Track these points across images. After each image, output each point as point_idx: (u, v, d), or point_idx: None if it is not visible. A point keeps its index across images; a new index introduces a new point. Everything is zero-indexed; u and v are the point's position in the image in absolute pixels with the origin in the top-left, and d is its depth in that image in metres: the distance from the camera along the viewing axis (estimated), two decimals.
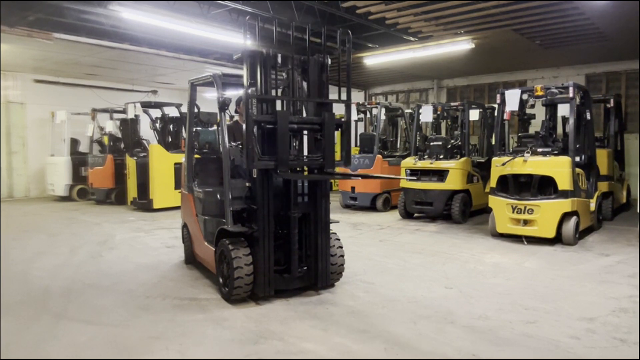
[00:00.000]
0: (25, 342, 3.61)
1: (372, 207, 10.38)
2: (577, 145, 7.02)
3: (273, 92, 4.41)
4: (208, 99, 13.22)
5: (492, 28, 9.12)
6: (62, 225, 8.94)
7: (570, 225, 6.64)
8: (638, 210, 8.01)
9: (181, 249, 6.21)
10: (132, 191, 10.95)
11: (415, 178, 8.72)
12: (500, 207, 7.10)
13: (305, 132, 4.54)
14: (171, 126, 11.99)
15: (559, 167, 6.66)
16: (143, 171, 10.59)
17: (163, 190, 10.41)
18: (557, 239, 6.77)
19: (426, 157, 9.04)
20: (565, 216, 6.68)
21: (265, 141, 4.26)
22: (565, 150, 6.90)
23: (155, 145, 10.85)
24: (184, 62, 12.21)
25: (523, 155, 6.92)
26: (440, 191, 8.70)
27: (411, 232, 8.03)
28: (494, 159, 7.31)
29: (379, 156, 10.25)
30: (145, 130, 12.36)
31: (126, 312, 4.23)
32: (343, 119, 4.60)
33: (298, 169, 4.49)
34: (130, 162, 10.96)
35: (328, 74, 4.66)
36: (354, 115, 11.00)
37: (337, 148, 4.67)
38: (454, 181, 8.64)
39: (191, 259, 5.82)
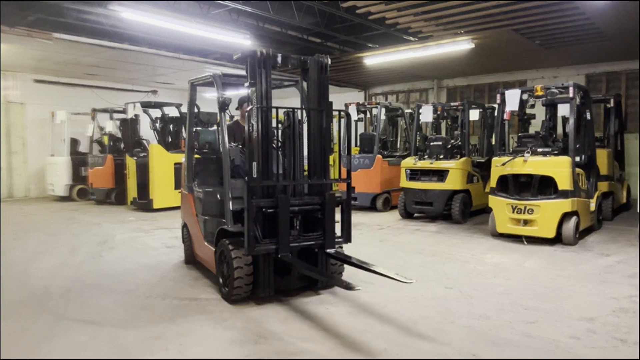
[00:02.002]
0: (25, 342, 3.61)
1: (372, 207, 10.39)
2: (577, 145, 7.02)
3: (273, 92, 4.39)
4: (208, 99, 13.22)
5: (492, 28, 9.12)
6: (62, 225, 8.94)
7: (570, 225, 6.64)
8: (638, 210, 8.01)
9: (181, 249, 6.21)
10: (132, 191, 10.95)
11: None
12: (500, 207, 7.10)
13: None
14: (171, 126, 11.99)
15: (559, 167, 6.66)
16: (143, 171, 10.59)
17: (163, 190, 10.41)
18: (557, 239, 6.77)
19: (426, 157, 9.03)
20: (565, 216, 6.68)
21: (266, 222, 4.27)
22: (565, 150, 6.89)
23: (155, 145, 10.85)
24: (184, 62, 12.22)
25: (523, 155, 6.92)
26: (440, 191, 8.70)
27: (411, 232, 8.03)
28: (494, 159, 7.31)
29: (379, 156, 10.25)
30: (145, 130, 12.37)
31: (126, 312, 4.23)
32: (343, 197, 4.57)
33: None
34: (130, 162, 10.96)
35: (328, 75, 4.64)
36: (354, 116, 11.01)
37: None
38: (454, 181, 8.64)
39: (191, 259, 5.82)
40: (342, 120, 4.75)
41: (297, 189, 4.46)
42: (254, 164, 4.15)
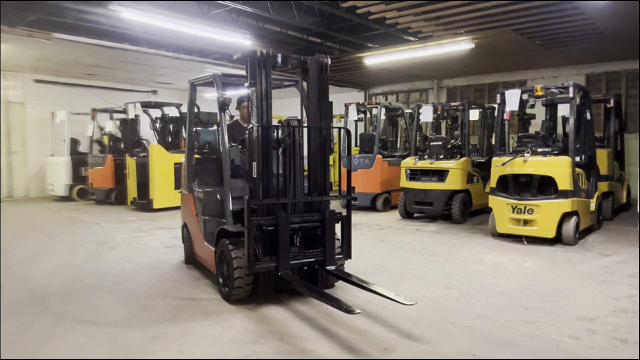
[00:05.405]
0: (25, 342, 3.61)
1: (372, 207, 10.39)
2: (577, 145, 7.02)
3: (273, 92, 4.39)
4: (208, 99, 13.22)
5: (492, 28, 9.12)
6: (62, 225, 8.94)
7: (570, 225, 6.64)
8: (638, 210, 8.01)
9: (181, 249, 6.21)
10: (132, 191, 10.95)
11: None
12: (500, 207, 7.10)
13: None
14: (171, 126, 12.00)
15: (559, 167, 6.66)
16: (143, 171, 10.59)
17: (163, 190, 10.41)
18: (557, 239, 6.77)
19: (426, 157, 9.04)
20: (565, 216, 6.68)
21: (266, 240, 4.26)
22: (565, 150, 6.90)
23: (155, 145, 10.85)
24: (184, 62, 12.22)
25: (523, 155, 6.92)
26: (440, 191, 8.70)
27: (411, 232, 8.03)
28: (494, 159, 7.31)
29: (379, 156, 10.25)
30: (145, 130, 12.37)
31: (126, 312, 4.23)
32: (343, 214, 4.55)
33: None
34: (130, 162, 10.96)
35: (328, 75, 4.63)
36: (354, 116, 11.01)
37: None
38: (454, 181, 8.63)
39: (191, 259, 5.82)
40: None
41: (297, 206, 4.46)
42: (254, 165, 4.14)
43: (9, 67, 12.68)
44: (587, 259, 6.03)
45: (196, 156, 5.92)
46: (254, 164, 4.15)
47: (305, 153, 4.48)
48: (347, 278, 4.30)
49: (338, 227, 4.59)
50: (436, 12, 8.42)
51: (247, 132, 4.23)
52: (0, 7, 8.02)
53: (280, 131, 4.38)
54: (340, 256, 4.58)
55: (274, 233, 4.22)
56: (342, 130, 4.74)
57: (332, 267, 4.44)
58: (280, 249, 4.17)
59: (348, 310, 3.45)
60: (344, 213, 4.56)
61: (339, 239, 4.69)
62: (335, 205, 4.77)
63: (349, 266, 5.17)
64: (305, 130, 4.57)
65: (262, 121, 4.27)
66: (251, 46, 9.64)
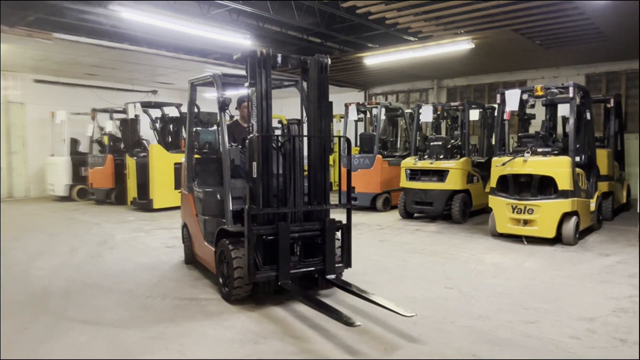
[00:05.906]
0: (25, 342, 3.61)
1: (372, 207, 10.39)
2: (577, 145, 7.02)
3: (273, 92, 4.39)
4: (208, 99, 13.22)
5: (492, 28, 9.12)
6: (62, 225, 8.94)
7: (570, 225, 6.64)
8: (638, 210, 8.01)
9: (181, 249, 6.22)
10: (132, 191, 10.95)
11: None
12: (500, 207, 7.10)
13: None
14: (171, 126, 11.99)
15: (559, 167, 6.66)
16: (143, 171, 10.59)
17: (163, 190, 10.41)
18: (557, 239, 6.77)
19: (426, 157, 9.04)
20: (565, 216, 6.68)
21: (266, 248, 4.26)
22: (565, 150, 6.90)
23: (155, 145, 10.85)
24: (184, 62, 12.22)
25: (523, 155, 6.92)
26: (440, 191, 8.70)
27: (411, 232, 8.03)
28: (494, 159, 7.31)
29: (379, 156, 10.25)
30: (145, 130, 12.37)
31: (126, 312, 4.23)
32: (344, 222, 4.55)
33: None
34: (130, 162, 10.97)
35: (328, 75, 4.63)
36: (354, 116, 11.01)
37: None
38: (454, 181, 8.63)
39: (191, 259, 5.82)
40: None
41: (297, 215, 4.46)
42: (254, 166, 4.14)
43: (9, 67, 12.68)
44: (587, 259, 6.03)
45: (196, 156, 5.92)
46: (254, 164, 4.15)
47: (305, 153, 4.48)
48: (347, 287, 4.29)
49: (338, 232, 4.58)
50: (436, 12, 8.42)
51: (247, 138, 4.21)
52: (0, 7, 8.02)
53: (280, 136, 4.38)
54: (340, 265, 4.57)
55: (274, 242, 4.22)
56: (341, 138, 4.73)
57: (332, 276, 4.43)
58: (280, 258, 4.18)
59: (348, 322, 3.43)
60: (344, 219, 4.55)
61: (338, 239, 4.69)
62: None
63: None
64: (305, 131, 4.57)
65: (262, 121, 4.27)
66: (251, 46, 9.64)
